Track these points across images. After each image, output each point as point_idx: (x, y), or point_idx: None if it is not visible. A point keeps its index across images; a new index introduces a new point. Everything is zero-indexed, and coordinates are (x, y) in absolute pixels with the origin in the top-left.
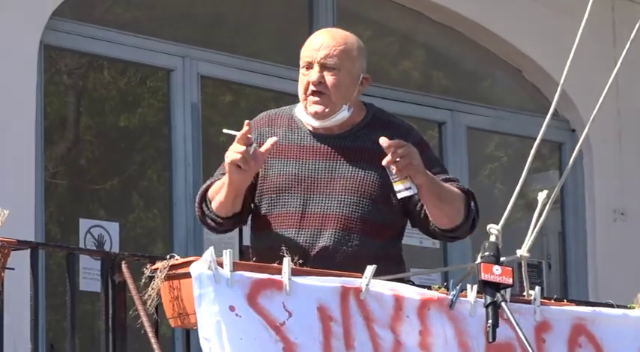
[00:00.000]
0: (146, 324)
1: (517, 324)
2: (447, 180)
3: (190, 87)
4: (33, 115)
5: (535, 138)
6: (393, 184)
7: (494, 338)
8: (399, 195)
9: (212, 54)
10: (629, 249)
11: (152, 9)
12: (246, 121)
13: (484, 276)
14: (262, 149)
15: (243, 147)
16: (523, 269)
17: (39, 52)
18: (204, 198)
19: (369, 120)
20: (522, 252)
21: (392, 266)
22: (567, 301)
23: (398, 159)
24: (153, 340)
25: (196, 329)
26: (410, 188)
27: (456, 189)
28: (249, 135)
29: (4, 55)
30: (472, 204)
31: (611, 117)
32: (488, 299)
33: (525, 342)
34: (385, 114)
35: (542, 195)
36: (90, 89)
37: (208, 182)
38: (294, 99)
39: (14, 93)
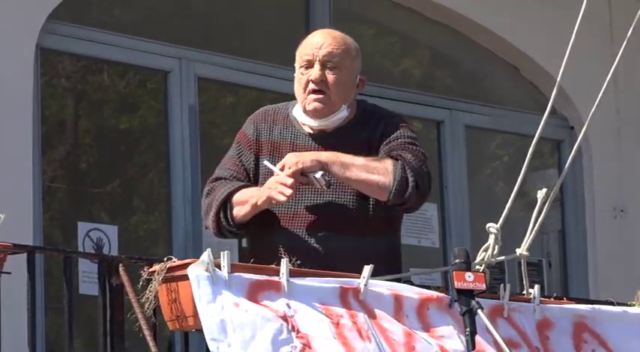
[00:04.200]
0: (144, 327)
1: (493, 330)
2: (398, 147)
3: (187, 89)
4: (30, 119)
5: (534, 137)
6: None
7: (473, 347)
8: (318, 185)
9: (209, 55)
10: (630, 246)
11: (148, 10)
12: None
13: (457, 285)
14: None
15: (291, 191)
16: (523, 268)
17: (35, 55)
18: (221, 208)
19: (358, 116)
20: (522, 250)
21: (388, 262)
22: (567, 299)
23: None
24: (151, 343)
25: (195, 331)
26: (316, 173)
27: (377, 163)
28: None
29: (0, 58)
30: (405, 169)
31: (610, 114)
32: (464, 308)
33: (503, 345)
34: (372, 107)
35: (541, 194)
36: (88, 92)
37: (217, 192)
38: (291, 99)
39: (11, 97)
